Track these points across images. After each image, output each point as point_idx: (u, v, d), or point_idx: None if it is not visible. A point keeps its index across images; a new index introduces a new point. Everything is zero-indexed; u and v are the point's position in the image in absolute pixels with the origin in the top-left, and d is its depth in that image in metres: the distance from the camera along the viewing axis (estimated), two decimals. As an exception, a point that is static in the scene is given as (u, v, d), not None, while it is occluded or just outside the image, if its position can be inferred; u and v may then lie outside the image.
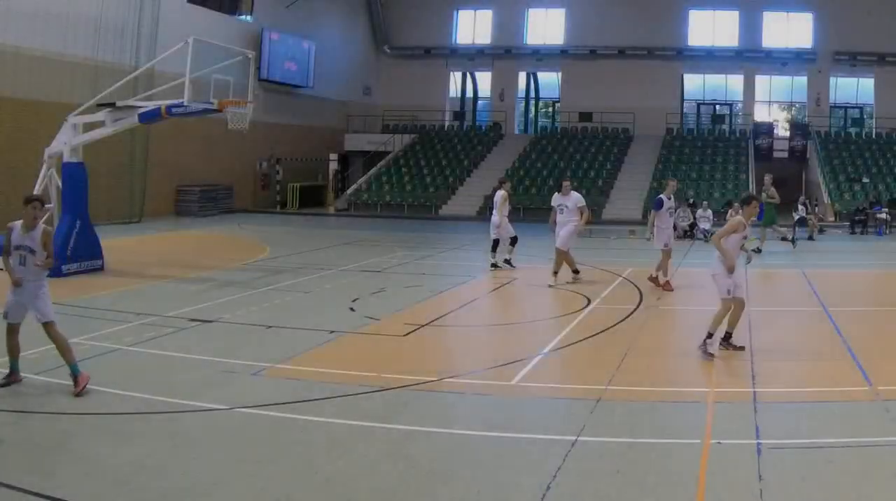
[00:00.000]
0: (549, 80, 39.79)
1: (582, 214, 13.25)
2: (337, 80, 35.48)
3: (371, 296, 12.00)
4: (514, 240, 15.11)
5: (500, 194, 15.13)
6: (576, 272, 13.51)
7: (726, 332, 8.64)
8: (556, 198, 13.55)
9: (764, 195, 18.30)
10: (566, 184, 13.65)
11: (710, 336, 8.35)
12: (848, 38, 33.69)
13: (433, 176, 32.77)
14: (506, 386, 7.34)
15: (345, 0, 36.52)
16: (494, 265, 14.86)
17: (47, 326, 7.03)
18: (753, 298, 12.32)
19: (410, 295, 12.17)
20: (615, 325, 9.95)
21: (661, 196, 13.32)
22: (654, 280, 12.88)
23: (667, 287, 12.67)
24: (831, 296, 12.37)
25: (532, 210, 29.30)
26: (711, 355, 8.23)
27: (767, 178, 19.38)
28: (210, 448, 5.63)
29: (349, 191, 32.77)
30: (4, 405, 6.43)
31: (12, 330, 7.08)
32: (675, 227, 22.07)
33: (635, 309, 10.99)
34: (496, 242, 15.03)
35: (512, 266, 14.81)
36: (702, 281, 14.87)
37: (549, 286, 12.92)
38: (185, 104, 13.10)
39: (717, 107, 37.92)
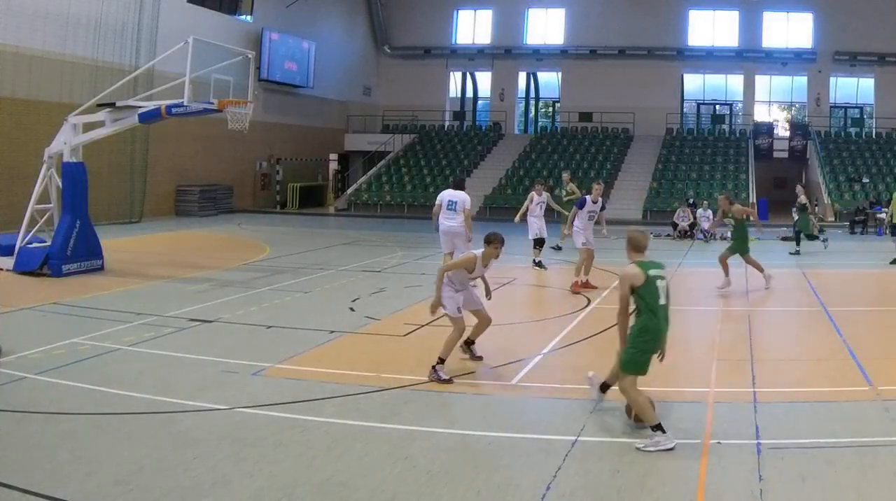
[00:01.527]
0: (549, 80, 39.81)
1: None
2: (337, 80, 35.50)
3: (371, 296, 12.00)
4: (536, 242, 15.93)
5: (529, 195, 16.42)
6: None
7: (469, 338, 8.10)
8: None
9: (563, 192, 19.63)
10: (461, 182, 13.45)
11: (441, 361, 7.51)
12: (848, 38, 33.71)
13: (433, 176, 32.76)
14: (506, 386, 7.34)
15: (345, 0, 36.53)
16: (537, 264, 15.67)
17: None
18: (753, 298, 12.34)
19: (410, 295, 12.17)
20: (615, 325, 9.91)
21: (587, 196, 13.78)
22: (585, 284, 12.81)
23: (587, 286, 12.66)
24: (831, 296, 12.37)
25: (532, 210, 29.33)
26: (447, 380, 7.37)
27: (565, 175, 20.40)
28: (210, 448, 5.63)
29: (349, 191, 32.78)
30: (4, 405, 6.43)
31: None
32: (674, 226, 22.35)
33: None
34: (536, 241, 15.97)
35: (541, 267, 15.63)
36: (701, 282, 14.88)
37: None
38: (185, 104, 13.09)
39: (717, 107, 37.93)
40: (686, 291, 12.87)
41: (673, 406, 6.79)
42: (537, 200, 16.18)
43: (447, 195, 12.78)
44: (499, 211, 29.52)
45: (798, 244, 18.58)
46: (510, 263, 16.32)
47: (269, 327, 9.70)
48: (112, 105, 13.99)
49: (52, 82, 20.75)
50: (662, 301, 6.10)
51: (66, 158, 13.87)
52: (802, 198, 19.10)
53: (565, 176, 20.48)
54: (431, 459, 5.48)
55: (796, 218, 19.05)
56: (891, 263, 16.35)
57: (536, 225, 16.00)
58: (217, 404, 6.59)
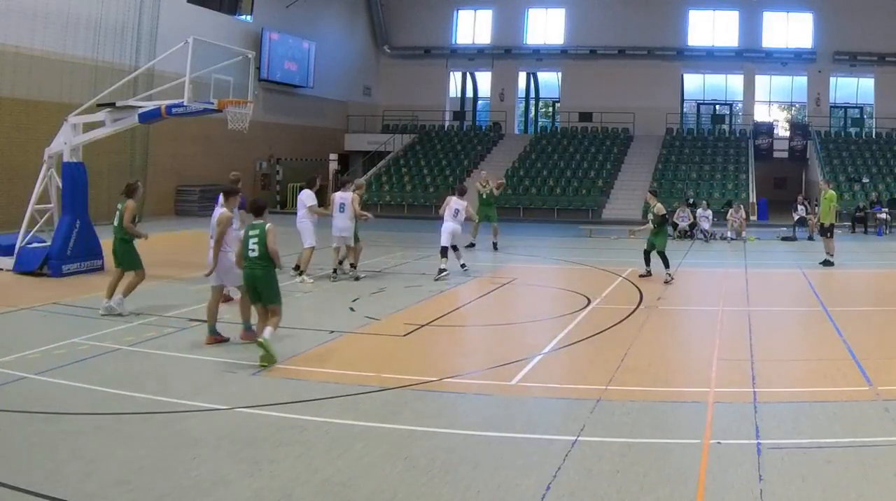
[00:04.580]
0: (549, 80, 39.82)
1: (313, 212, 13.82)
2: (337, 80, 35.48)
3: (371, 296, 11.99)
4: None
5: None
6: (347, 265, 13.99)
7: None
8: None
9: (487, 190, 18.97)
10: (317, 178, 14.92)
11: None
12: (848, 38, 33.72)
13: (433, 176, 32.77)
14: (506, 386, 7.34)
15: (345, 0, 36.53)
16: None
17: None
18: (754, 298, 12.33)
19: (410, 295, 12.17)
20: (615, 325, 9.95)
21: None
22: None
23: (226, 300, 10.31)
24: (831, 296, 12.37)
25: (532, 210, 29.38)
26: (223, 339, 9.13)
27: (483, 173, 20.11)
28: (210, 448, 5.63)
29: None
30: (4, 405, 6.43)
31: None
32: (674, 226, 22.32)
33: (635, 309, 10.99)
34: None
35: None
36: (701, 282, 14.88)
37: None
38: (185, 104, 13.08)
39: (717, 107, 37.94)
40: (686, 291, 12.88)
41: (673, 406, 6.80)
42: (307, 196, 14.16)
43: (453, 203, 14.62)
44: (498, 211, 29.40)
45: (648, 264, 14.02)
46: (510, 263, 16.34)
47: (269, 327, 9.69)
48: (112, 105, 13.98)
49: (52, 82, 20.74)
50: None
51: (66, 158, 13.86)
52: (658, 208, 14.15)
53: (483, 173, 19.62)
54: (431, 459, 5.48)
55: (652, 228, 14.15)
56: (820, 263, 15.92)
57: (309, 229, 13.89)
58: (217, 404, 6.59)
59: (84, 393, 6.85)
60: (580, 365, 8.28)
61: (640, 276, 13.74)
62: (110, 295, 10.27)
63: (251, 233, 8.23)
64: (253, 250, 8.15)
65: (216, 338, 8.75)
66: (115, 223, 10.54)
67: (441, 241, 14.18)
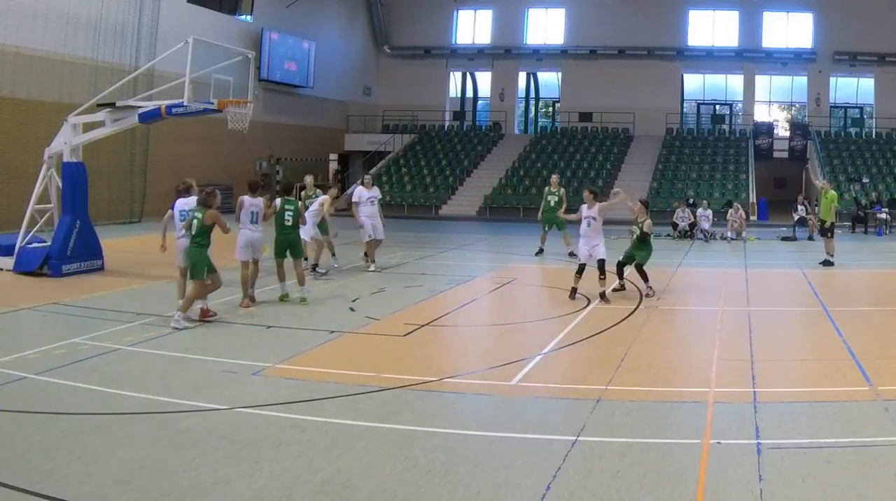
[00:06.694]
0: (549, 80, 39.82)
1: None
2: (337, 80, 35.49)
3: (371, 296, 11.99)
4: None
5: None
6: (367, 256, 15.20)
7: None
8: (365, 193, 15.53)
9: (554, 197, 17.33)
10: (368, 178, 16.37)
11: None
12: (848, 38, 33.73)
13: (433, 176, 32.76)
14: (506, 386, 7.33)
15: (345, 0, 36.54)
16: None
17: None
18: (754, 298, 12.33)
19: (410, 295, 12.17)
20: (615, 325, 9.95)
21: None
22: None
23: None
24: (831, 296, 12.36)
25: (532, 209, 29.32)
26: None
27: (554, 178, 18.80)
28: (210, 448, 5.63)
29: (349, 191, 32.76)
30: (4, 405, 6.43)
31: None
32: (674, 226, 22.32)
33: (635, 309, 10.99)
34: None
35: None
36: (701, 282, 14.89)
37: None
38: (185, 104, 13.08)
39: (717, 107, 37.94)
40: (686, 291, 12.87)
41: (673, 406, 6.80)
42: (368, 195, 15.50)
43: None
44: (499, 211, 29.54)
45: (621, 278, 12.51)
46: (510, 263, 16.35)
47: (269, 327, 9.70)
48: (112, 105, 13.98)
49: (52, 82, 20.74)
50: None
51: (66, 158, 13.87)
52: (648, 223, 12.30)
53: (554, 177, 18.65)
54: (431, 459, 5.47)
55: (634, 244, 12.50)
56: (820, 263, 15.91)
57: (369, 223, 15.18)
58: (217, 404, 6.59)
59: (84, 393, 6.85)
60: (580, 365, 8.28)
61: (615, 290, 12.08)
62: (182, 296, 10.31)
63: (287, 207, 11.39)
64: (288, 220, 11.33)
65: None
66: (193, 231, 10.14)
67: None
